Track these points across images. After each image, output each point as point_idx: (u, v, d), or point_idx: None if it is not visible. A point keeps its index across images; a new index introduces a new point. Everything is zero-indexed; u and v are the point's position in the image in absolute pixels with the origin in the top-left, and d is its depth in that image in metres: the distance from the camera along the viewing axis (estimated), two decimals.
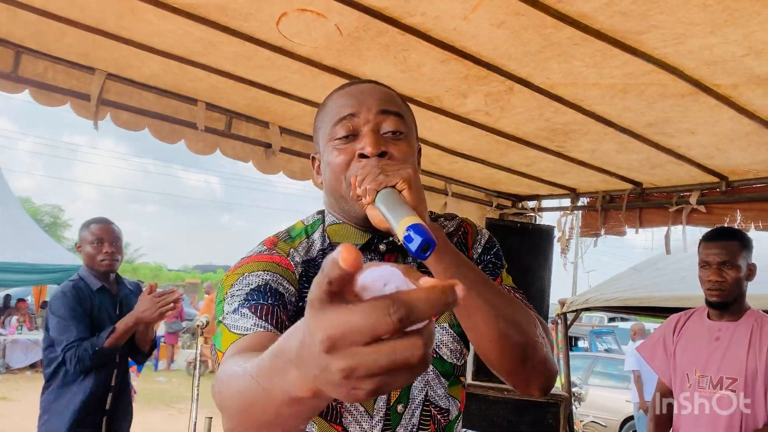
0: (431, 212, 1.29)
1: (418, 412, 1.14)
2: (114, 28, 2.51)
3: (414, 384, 1.14)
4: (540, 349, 1.08)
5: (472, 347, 1.18)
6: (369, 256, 1.17)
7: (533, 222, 4.45)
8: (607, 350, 14.98)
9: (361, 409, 1.13)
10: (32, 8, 2.40)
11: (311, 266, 1.18)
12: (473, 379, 3.64)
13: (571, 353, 13.40)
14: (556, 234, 4.20)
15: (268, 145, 3.50)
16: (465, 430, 2.75)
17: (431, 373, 1.15)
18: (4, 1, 2.35)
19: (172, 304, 2.79)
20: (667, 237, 3.67)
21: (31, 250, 11.54)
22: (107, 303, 2.92)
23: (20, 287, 15.12)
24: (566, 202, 4.33)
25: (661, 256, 4.24)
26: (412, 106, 3.05)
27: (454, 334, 1.18)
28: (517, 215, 4.54)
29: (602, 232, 4.01)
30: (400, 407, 1.14)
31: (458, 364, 1.19)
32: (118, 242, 3.03)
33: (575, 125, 3.00)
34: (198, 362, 1.93)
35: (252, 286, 1.07)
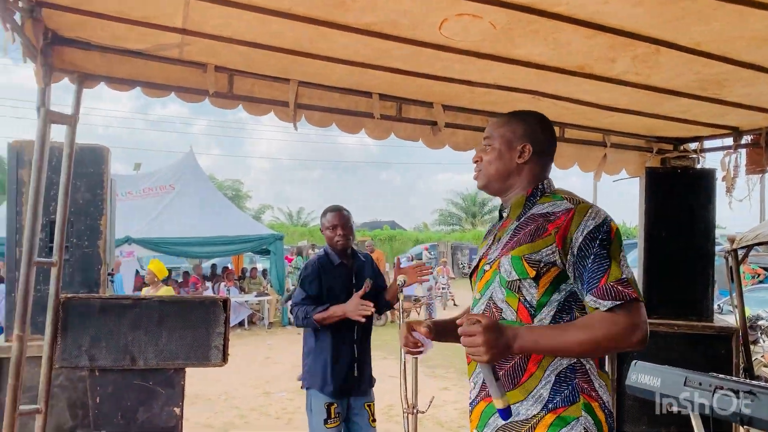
0: (555, 192, 1.88)
1: (485, 303, 1.89)
2: (308, 48, 3.07)
3: (488, 288, 1.88)
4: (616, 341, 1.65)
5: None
6: (502, 215, 2.03)
7: (693, 166, 4.50)
8: None
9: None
10: (243, 42, 3.02)
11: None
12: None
13: (760, 285, 12.67)
14: (721, 173, 4.24)
15: (434, 123, 3.95)
16: (637, 361, 3.07)
17: (495, 283, 1.84)
18: (224, 40, 2.99)
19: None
20: None
21: (227, 224, 13.12)
22: (344, 274, 3.67)
23: (222, 257, 17.16)
24: (729, 141, 4.33)
25: None
26: (562, 76, 3.45)
27: (511, 262, 1.80)
28: (678, 158, 4.61)
29: None
30: (477, 294, 1.95)
31: (508, 279, 1.80)
32: (349, 224, 3.71)
33: (726, 74, 3.12)
34: (402, 314, 2.45)
35: None
